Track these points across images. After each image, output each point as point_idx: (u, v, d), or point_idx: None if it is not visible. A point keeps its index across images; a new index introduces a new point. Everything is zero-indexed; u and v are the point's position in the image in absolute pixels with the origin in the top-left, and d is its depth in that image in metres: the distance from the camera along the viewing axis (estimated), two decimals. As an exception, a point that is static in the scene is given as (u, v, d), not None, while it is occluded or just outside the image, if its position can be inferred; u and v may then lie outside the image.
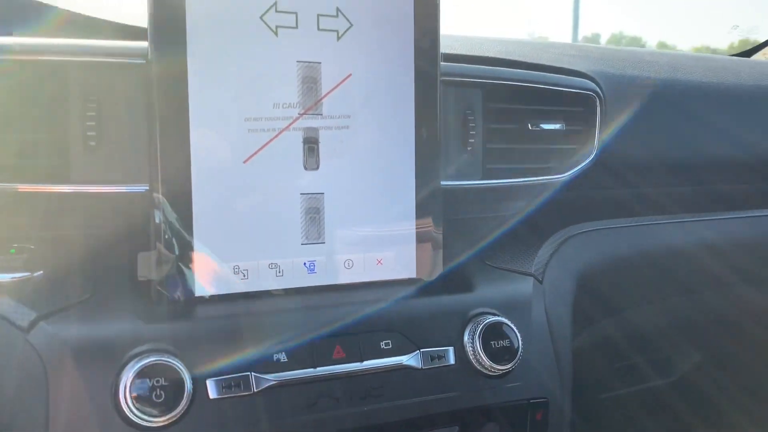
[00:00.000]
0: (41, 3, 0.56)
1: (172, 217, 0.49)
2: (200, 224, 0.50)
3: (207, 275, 0.50)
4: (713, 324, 0.86)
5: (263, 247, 0.52)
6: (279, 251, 0.53)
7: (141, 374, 0.43)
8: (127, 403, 0.43)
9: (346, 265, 0.55)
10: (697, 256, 0.75)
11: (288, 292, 0.53)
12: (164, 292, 0.49)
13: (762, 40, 1.27)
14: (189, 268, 0.50)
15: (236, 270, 0.51)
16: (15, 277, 0.48)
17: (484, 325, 0.52)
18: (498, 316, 0.53)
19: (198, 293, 0.50)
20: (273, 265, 0.53)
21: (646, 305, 0.76)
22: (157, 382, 0.43)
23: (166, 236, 0.49)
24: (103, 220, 0.50)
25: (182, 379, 0.44)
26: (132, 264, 0.50)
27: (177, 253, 0.49)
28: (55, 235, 0.50)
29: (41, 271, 0.49)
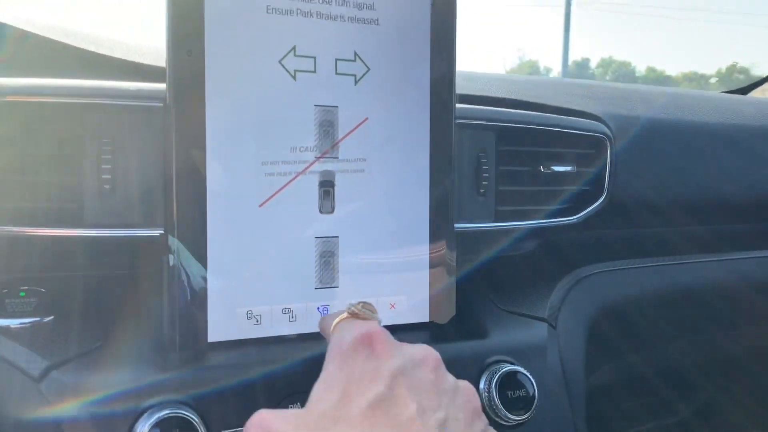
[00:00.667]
0: (54, 41, 0.55)
1: (187, 261, 0.48)
2: (214, 268, 0.49)
3: (220, 321, 0.50)
4: (724, 364, 0.86)
5: (277, 292, 0.51)
6: (292, 296, 0.52)
7: (155, 427, 0.42)
8: (140, 456, 0.42)
9: (360, 309, 0.54)
10: (709, 296, 0.75)
11: (301, 338, 0.52)
12: (177, 339, 0.48)
13: (755, 77, 1.29)
14: (202, 314, 0.49)
15: (249, 315, 0.51)
16: (25, 323, 0.47)
17: (501, 374, 0.51)
18: (514, 364, 0.53)
19: (211, 339, 0.49)
20: (286, 310, 0.52)
21: (657, 345, 0.76)
22: (172, 435, 0.42)
23: (180, 281, 0.48)
24: (116, 265, 0.50)
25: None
26: (145, 309, 0.50)
27: (190, 298, 0.48)
28: (66, 279, 0.49)
29: (52, 317, 0.48)
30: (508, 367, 0.52)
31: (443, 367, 0.37)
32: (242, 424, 0.45)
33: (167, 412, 0.43)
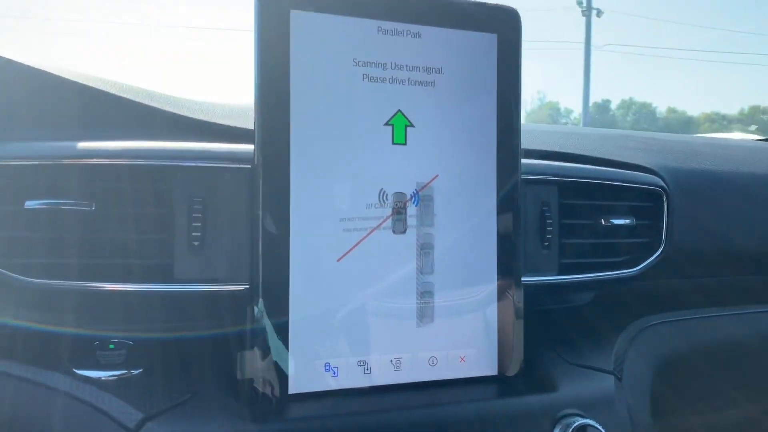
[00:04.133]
0: (149, 107, 0.58)
1: (270, 315, 0.50)
2: (295, 322, 0.51)
3: (300, 373, 0.51)
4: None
5: (352, 344, 0.53)
6: (367, 348, 0.53)
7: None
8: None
9: (431, 362, 0.55)
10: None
11: (375, 390, 0.53)
12: (260, 390, 0.49)
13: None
14: (284, 366, 0.50)
15: (327, 367, 0.52)
16: (115, 375, 0.49)
17: (574, 427, 0.52)
18: (585, 417, 0.53)
19: (291, 391, 0.51)
20: (362, 363, 0.53)
21: (725, 397, 0.76)
22: (262, 487, 0.43)
23: (263, 334, 0.50)
24: (202, 318, 0.51)
25: (286, 484, 0.44)
26: (230, 362, 0.51)
27: (273, 350, 0.50)
28: (154, 332, 0.51)
29: (141, 369, 0.50)
30: (581, 421, 0.53)
31: None
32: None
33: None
